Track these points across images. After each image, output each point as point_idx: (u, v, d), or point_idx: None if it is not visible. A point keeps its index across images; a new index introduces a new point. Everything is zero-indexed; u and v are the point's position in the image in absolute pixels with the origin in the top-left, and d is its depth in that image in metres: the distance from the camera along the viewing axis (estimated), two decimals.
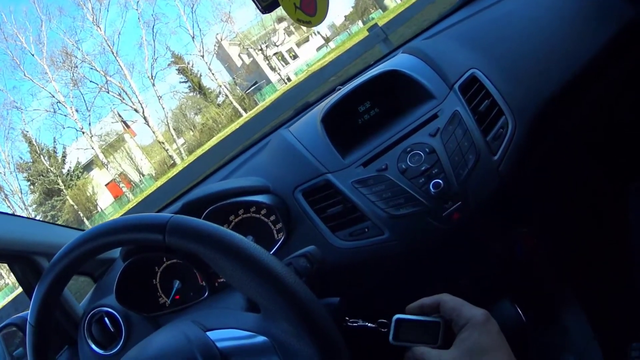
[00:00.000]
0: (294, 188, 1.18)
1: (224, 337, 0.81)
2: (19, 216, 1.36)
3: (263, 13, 1.01)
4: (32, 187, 35.08)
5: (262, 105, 29.44)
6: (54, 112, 34.37)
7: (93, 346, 1.29)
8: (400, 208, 1.06)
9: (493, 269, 1.19)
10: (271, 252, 1.12)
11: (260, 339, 0.78)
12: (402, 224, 1.06)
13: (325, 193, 1.14)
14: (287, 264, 0.94)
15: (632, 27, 1.20)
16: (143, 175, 36.38)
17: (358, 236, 1.10)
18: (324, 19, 1.05)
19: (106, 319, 1.29)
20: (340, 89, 1.36)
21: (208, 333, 0.82)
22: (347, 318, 0.89)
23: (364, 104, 1.27)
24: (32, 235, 1.34)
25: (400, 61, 1.28)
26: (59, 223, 1.45)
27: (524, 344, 1.08)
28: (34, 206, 34.98)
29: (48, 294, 0.84)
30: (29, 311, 0.86)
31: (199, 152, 27.31)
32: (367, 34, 4.52)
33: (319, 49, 39.74)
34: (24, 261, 1.33)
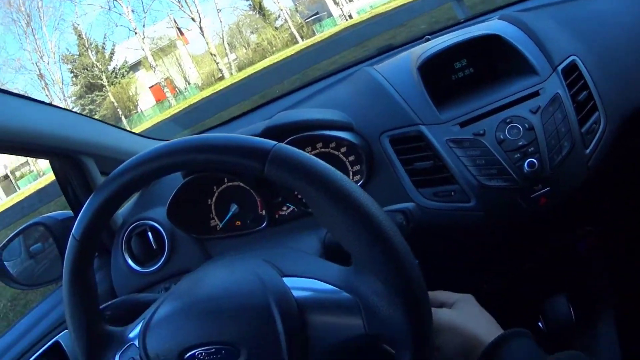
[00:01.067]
0: (381, 132, 1.10)
1: (303, 286, 0.71)
2: (70, 110, 1.21)
3: None
4: (74, 79, 33.57)
5: (321, 36, 28.49)
6: (109, 9, 32.80)
7: (129, 261, 1.18)
8: (492, 179, 1.01)
9: (556, 261, 1.16)
10: None
11: (345, 296, 0.67)
12: (490, 196, 1.01)
13: (416, 145, 1.07)
14: None
15: None
16: (189, 84, 35.02)
17: (443, 198, 1.04)
18: None
19: (149, 233, 1.18)
20: (429, 39, 1.29)
21: (285, 279, 0.72)
22: None
23: (460, 61, 1.20)
24: (80, 133, 1.19)
25: (500, 27, 1.21)
26: (96, 118, 1.29)
27: (567, 344, 1.07)
28: (73, 98, 33.44)
29: (102, 208, 0.71)
30: (76, 223, 0.73)
31: (250, 70, 26.40)
32: None
33: None
34: (67, 159, 1.20)
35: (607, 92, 1.10)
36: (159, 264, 1.18)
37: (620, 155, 1.15)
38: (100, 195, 0.71)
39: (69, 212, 1.30)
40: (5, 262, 1.25)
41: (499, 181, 1.01)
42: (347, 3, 36.44)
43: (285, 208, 1.15)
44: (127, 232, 1.20)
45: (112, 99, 33.00)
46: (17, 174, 29.99)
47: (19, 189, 28.71)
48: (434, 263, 1.09)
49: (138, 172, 0.69)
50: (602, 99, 1.09)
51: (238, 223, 1.17)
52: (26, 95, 1.14)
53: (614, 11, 1.23)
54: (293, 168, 0.62)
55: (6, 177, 29.76)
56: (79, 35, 33.24)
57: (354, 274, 0.68)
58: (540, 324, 1.09)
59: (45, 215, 1.27)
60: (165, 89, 33.79)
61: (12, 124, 1.02)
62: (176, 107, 27.91)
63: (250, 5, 37.21)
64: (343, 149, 1.12)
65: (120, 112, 33.15)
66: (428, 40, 1.29)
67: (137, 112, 33.38)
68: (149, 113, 32.69)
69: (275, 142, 0.64)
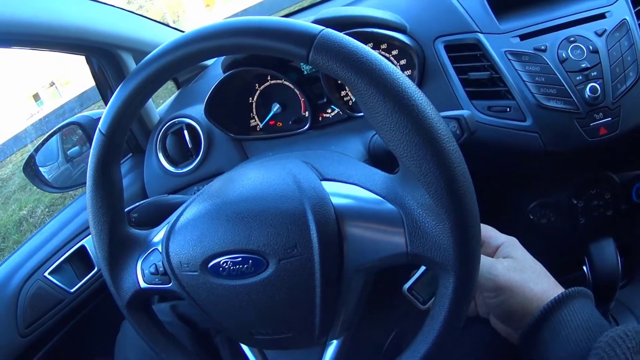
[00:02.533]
0: (435, 37, 1.03)
1: (342, 193, 0.64)
2: (104, 3, 1.15)
3: None
4: None
5: None
6: None
7: (163, 160, 1.14)
8: (551, 99, 0.94)
9: (607, 202, 1.09)
10: None
11: (388, 207, 0.60)
12: (548, 117, 0.95)
13: (473, 53, 1.00)
14: None
15: None
16: None
17: (498, 113, 0.97)
18: None
19: (185, 132, 1.13)
20: None
21: (324, 183, 0.65)
22: None
23: None
24: (118, 27, 1.15)
25: None
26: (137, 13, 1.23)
27: (612, 293, 1.01)
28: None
29: (130, 99, 0.65)
30: (102, 117, 0.67)
31: None
32: None
33: None
34: (104, 54, 1.15)
35: None
36: (194, 164, 1.14)
37: None
38: (128, 86, 0.64)
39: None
40: (40, 168, 1.23)
41: (558, 102, 0.94)
42: None
43: (330, 110, 1.09)
44: (163, 130, 1.15)
45: (162, 3, 32.21)
46: (62, 80, 29.72)
47: (61, 96, 28.60)
48: (482, 183, 1.02)
49: (167, 59, 0.61)
50: None
51: (280, 124, 1.12)
52: None
53: None
54: (341, 56, 0.54)
55: (52, 84, 29.77)
56: None
57: (400, 182, 0.60)
58: (585, 267, 1.02)
59: (80, 114, 1.22)
60: None
61: (48, 18, 0.98)
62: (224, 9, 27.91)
63: None
64: (395, 52, 1.05)
65: (168, 17, 32.57)
66: None
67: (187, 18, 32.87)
68: (197, 18, 31.99)
69: (323, 27, 0.56)
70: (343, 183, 0.66)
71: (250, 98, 1.14)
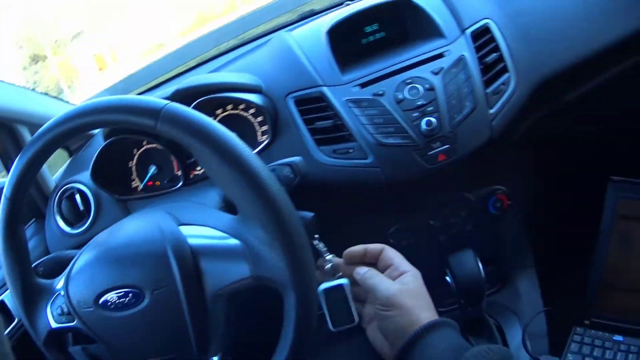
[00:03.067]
0: (286, 93, 1.15)
1: (197, 234, 0.80)
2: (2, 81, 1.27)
3: None
4: (18, 50, 33.60)
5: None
6: None
7: (60, 223, 1.27)
8: (388, 137, 1.06)
9: (464, 218, 1.20)
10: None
11: (233, 242, 0.77)
12: (387, 153, 1.06)
13: (318, 105, 1.12)
14: (271, 171, 0.93)
15: None
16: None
17: (342, 155, 1.09)
18: None
19: (77, 195, 1.26)
20: (349, 4, 1.34)
21: (181, 227, 0.81)
22: (316, 236, 0.89)
23: (371, 25, 1.24)
24: (13, 102, 1.26)
25: None
26: (40, 90, 1.36)
27: (479, 299, 1.11)
28: (17, 69, 33.17)
29: (28, 167, 0.81)
30: (6, 183, 0.83)
31: (190, 36, 26.83)
32: None
33: None
34: (3, 129, 1.26)
35: (520, 55, 1.13)
36: (87, 224, 1.24)
37: (534, 120, 1.17)
38: (24, 156, 0.81)
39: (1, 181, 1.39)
40: None
41: (396, 139, 1.05)
42: None
43: (199, 168, 1.21)
44: (58, 195, 1.27)
45: (56, 70, 32.16)
46: None
47: None
48: (340, 216, 1.15)
49: (51, 134, 0.78)
50: (514, 61, 1.12)
51: (157, 183, 1.24)
52: None
53: None
54: (182, 125, 0.70)
55: None
56: None
57: (240, 222, 0.77)
58: (447, 278, 1.13)
59: None
60: (108, 58, 33.55)
61: None
62: (118, 75, 27.97)
63: None
64: (252, 110, 1.17)
65: (63, 83, 32.53)
66: (347, 5, 1.34)
67: (80, 81, 33.01)
68: (92, 83, 31.96)
69: (168, 101, 0.72)
70: (197, 226, 0.82)
71: (130, 162, 1.26)
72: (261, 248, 0.73)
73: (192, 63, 1.49)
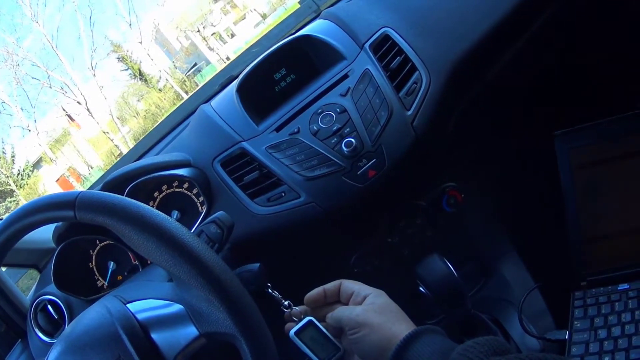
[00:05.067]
0: (212, 159, 1.18)
1: (143, 308, 0.82)
2: None
3: None
4: None
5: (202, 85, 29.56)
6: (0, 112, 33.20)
7: (40, 335, 1.29)
8: (314, 169, 1.06)
9: (421, 226, 1.17)
10: (196, 224, 1.14)
11: (176, 307, 0.79)
12: (317, 186, 1.06)
13: (242, 161, 1.14)
14: (199, 232, 0.95)
15: None
16: (92, 168, 33.39)
17: (276, 201, 1.10)
18: None
19: (49, 306, 1.29)
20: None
21: (128, 305, 0.83)
22: (269, 284, 0.90)
23: (279, 71, 1.26)
24: None
25: (314, 26, 1.29)
26: None
27: (460, 298, 1.08)
28: None
29: None
30: None
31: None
32: (298, 6, 4.48)
33: (256, 25, 38.29)
34: None
35: (424, 49, 1.14)
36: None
37: (461, 105, 1.16)
38: None
39: None
40: None
41: (321, 169, 1.06)
42: (222, 46, 36.34)
43: None
44: (32, 310, 1.30)
45: (25, 202, 32.02)
46: None
47: None
48: (298, 261, 1.15)
49: None
50: (420, 57, 1.13)
51: (119, 277, 1.26)
52: None
53: None
54: (97, 208, 0.74)
55: None
56: None
57: (177, 286, 0.80)
58: (421, 289, 1.10)
59: None
60: (71, 179, 31.52)
61: None
62: None
63: (130, 74, 36.81)
64: (186, 185, 1.21)
65: None
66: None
67: None
68: None
69: (80, 191, 0.77)
70: (142, 300, 0.84)
71: (90, 263, 1.27)
72: (201, 305, 0.75)
73: (135, 155, 1.55)
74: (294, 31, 1.50)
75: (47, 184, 35.09)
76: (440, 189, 1.17)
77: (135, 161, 1.43)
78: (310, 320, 0.87)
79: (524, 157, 1.32)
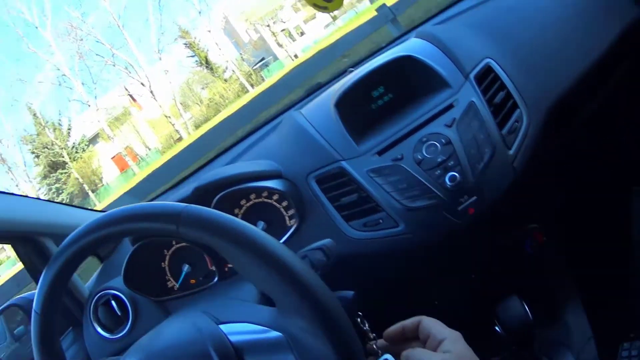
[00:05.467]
0: (307, 174, 1.16)
1: (237, 330, 0.79)
2: (23, 196, 1.30)
3: None
4: (36, 159, 33.97)
5: (269, 81, 28.55)
6: (59, 84, 33.52)
7: (99, 329, 1.26)
8: (416, 200, 1.05)
9: (503, 264, 1.19)
10: (283, 240, 1.11)
11: (275, 334, 0.75)
12: (417, 217, 1.05)
13: (340, 181, 1.12)
14: (303, 257, 0.92)
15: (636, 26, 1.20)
16: (149, 149, 35.51)
17: (372, 227, 1.09)
18: (341, 6, 1.01)
19: (113, 302, 1.26)
20: (352, 71, 1.34)
21: (221, 326, 0.80)
22: (359, 313, 0.87)
23: (377, 89, 1.23)
24: (36, 215, 1.28)
25: (413, 46, 1.26)
26: (64, 196, 1.38)
27: (529, 341, 1.10)
28: (38, 179, 33.56)
29: (55, 280, 0.80)
30: (35, 298, 0.82)
31: (206, 127, 26.67)
32: (375, 13, 4.45)
33: (326, 26, 38.67)
34: (28, 242, 1.27)
35: (526, 86, 1.14)
36: (126, 329, 1.25)
37: (549, 151, 1.17)
38: (51, 269, 0.80)
39: None
40: None
41: (423, 201, 1.05)
42: (290, 43, 36.28)
43: None
44: (93, 303, 1.27)
45: (77, 175, 32.84)
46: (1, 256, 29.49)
47: None
48: (381, 288, 1.14)
49: (76, 246, 0.77)
50: (522, 95, 1.13)
51: (193, 281, 1.24)
52: None
53: (522, 4, 1.26)
54: (203, 226, 0.70)
55: None
56: (34, 115, 33.31)
57: (279, 314, 0.76)
58: (497, 328, 1.12)
59: (18, 296, 1.36)
60: (127, 158, 33.79)
61: None
62: (140, 174, 27.92)
63: (196, 61, 36.97)
64: (275, 197, 1.18)
65: (86, 187, 32.87)
66: (351, 72, 1.34)
67: (103, 184, 33.35)
68: (115, 184, 32.36)
69: (185, 205, 0.71)
70: (237, 323, 0.80)
71: (162, 263, 1.25)
72: (305, 337, 0.72)
73: (210, 154, 1.49)
74: (384, 45, 1.46)
75: (102, 160, 35.23)
76: (525, 230, 1.18)
77: (210, 160, 1.38)
78: (388, 359, 0.85)
79: (600, 206, 1.35)
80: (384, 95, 1.24)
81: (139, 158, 34.90)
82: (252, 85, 34.54)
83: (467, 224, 1.04)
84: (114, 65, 33.74)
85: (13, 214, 1.20)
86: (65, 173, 33.22)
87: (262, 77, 35.63)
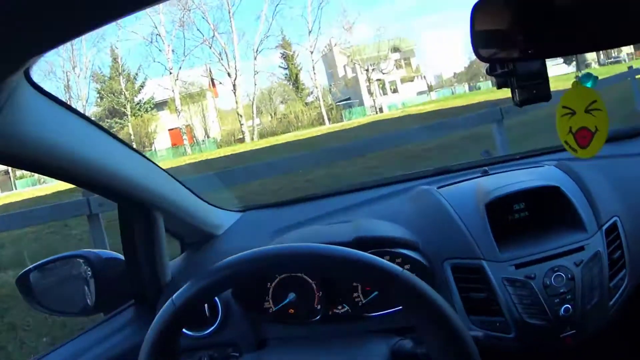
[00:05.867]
0: (445, 258, 1.24)
1: None
2: (155, 164, 1.27)
3: (519, 106, 1.00)
4: (99, 100, 33.41)
5: (347, 124, 28.98)
6: (150, 42, 33.06)
7: None
8: (532, 317, 1.16)
9: None
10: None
11: None
12: (528, 331, 1.17)
13: (475, 276, 1.21)
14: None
15: None
16: (208, 137, 34.72)
17: (488, 326, 1.19)
18: (591, 155, 1.02)
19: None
20: (487, 171, 1.46)
21: None
22: None
23: (519, 203, 1.34)
24: (159, 187, 1.25)
25: (558, 178, 1.37)
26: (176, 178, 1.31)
27: None
28: (93, 119, 31.63)
29: (208, 289, 0.84)
30: (180, 291, 0.83)
31: (271, 139, 27.24)
32: (480, 106, 4.57)
33: (419, 93, 39.18)
34: (142, 210, 1.25)
35: (636, 252, 1.27)
36: (208, 331, 1.26)
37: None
38: (211, 278, 0.84)
39: (115, 254, 1.35)
40: (34, 287, 1.30)
41: (537, 319, 1.17)
42: (380, 95, 36.76)
43: (340, 307, 1.25)
44: None
45: (130, 131, 32.51)
46: (18, 173, 29.09)
47: (16, 188, 28.37)
48: None
49: (255, 266, 0.84)
50: (631, 258, 1.26)
51: (292, 311, 1.26)
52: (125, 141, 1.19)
53: None
54: (414, 295, 0.80)
55: (6, 172, 28.96)
56: (115, 59, 33.03)
57: None
58: None
59: (90, 250, 1.32)
60: (184, 136, 33.53)
61: (107, 166, 1.06)
62: (191, 156, 27.71)
63: (286, 74, 37.11)
64: (407, 266, 1.23)
65: (134, 145, 31.33)
66: (486, 172, 1.46)
67: (151, 150, 32.86)
68: (162, 154, 32.15)
69: (402, 269, 0.81)
70: None
71: (269, 283, 1.25)
72: None
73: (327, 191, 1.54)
74: (517, 156, 1.56)
75: (160, 127, 34.18)
76: None
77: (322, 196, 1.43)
78: None
79: None
80: (522, 211, 1.34)
81: (195, 141, 34.32)
82: (329, 119, 34.55)
83: (561, 352, 1.19)
84: (209, 47, 33.59)
85: (140, 178, 1.18)
86: (121, 124, 32.67)
87: (342, 115, 35.67)
